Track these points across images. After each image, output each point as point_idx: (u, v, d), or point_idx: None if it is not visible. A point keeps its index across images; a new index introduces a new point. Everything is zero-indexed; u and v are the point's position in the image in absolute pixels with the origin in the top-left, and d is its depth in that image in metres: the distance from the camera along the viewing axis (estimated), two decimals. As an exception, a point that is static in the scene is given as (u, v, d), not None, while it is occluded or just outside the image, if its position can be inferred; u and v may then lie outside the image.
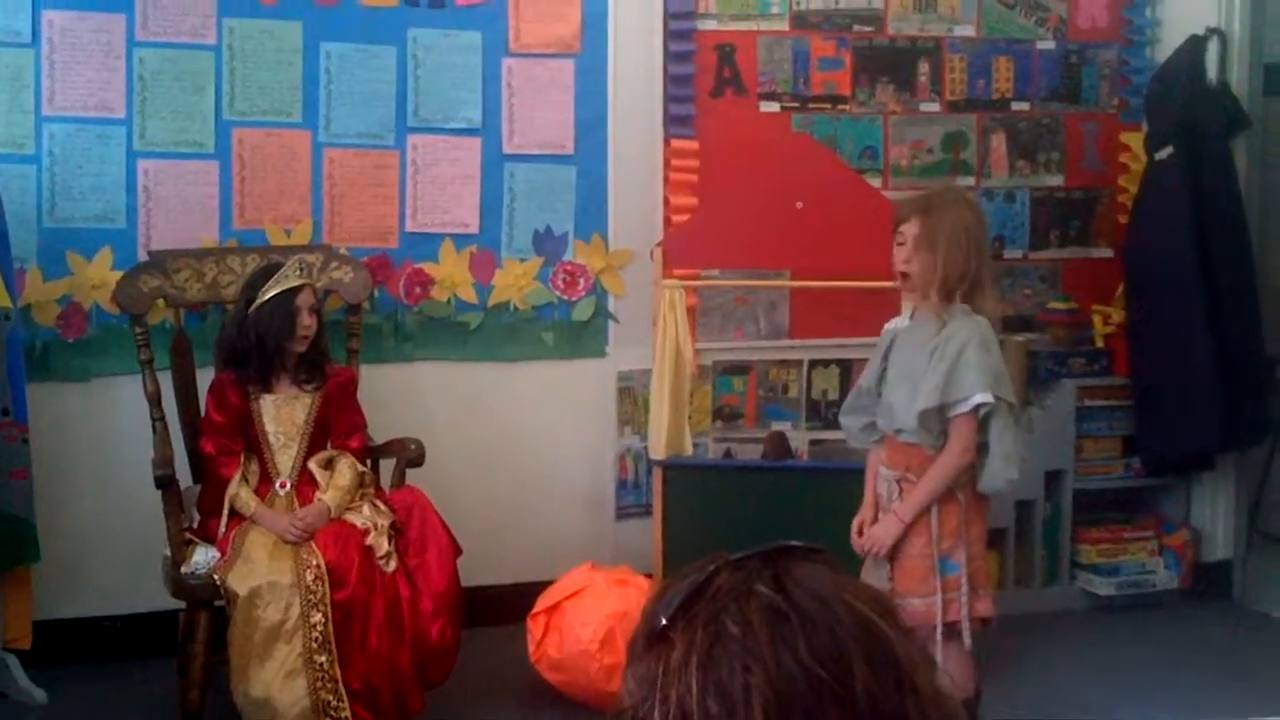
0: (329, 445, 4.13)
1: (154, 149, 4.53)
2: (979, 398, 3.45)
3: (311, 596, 3.76)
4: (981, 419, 3.49)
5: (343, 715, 3.75)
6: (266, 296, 4.02)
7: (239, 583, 3.77)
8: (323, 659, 3.74)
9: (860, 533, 3.64)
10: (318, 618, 3.75)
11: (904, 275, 3.57)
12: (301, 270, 4.08)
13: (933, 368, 3.45)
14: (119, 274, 4.36)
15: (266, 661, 3.73)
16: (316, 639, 3.74)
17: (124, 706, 4.06)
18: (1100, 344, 5.29)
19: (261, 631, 3.74)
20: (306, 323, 4.03)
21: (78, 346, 4.50)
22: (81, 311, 4.49)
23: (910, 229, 3.53)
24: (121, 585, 4.50)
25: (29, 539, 4.20)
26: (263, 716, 3.74)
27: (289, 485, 4.06)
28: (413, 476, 4.21)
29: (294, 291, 4.02)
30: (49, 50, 4.44)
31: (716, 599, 1.04)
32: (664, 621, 1.05)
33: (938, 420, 3.50)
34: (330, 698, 3.74)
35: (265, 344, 4.02)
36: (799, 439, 5.05)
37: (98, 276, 4.47)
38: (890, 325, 3.73)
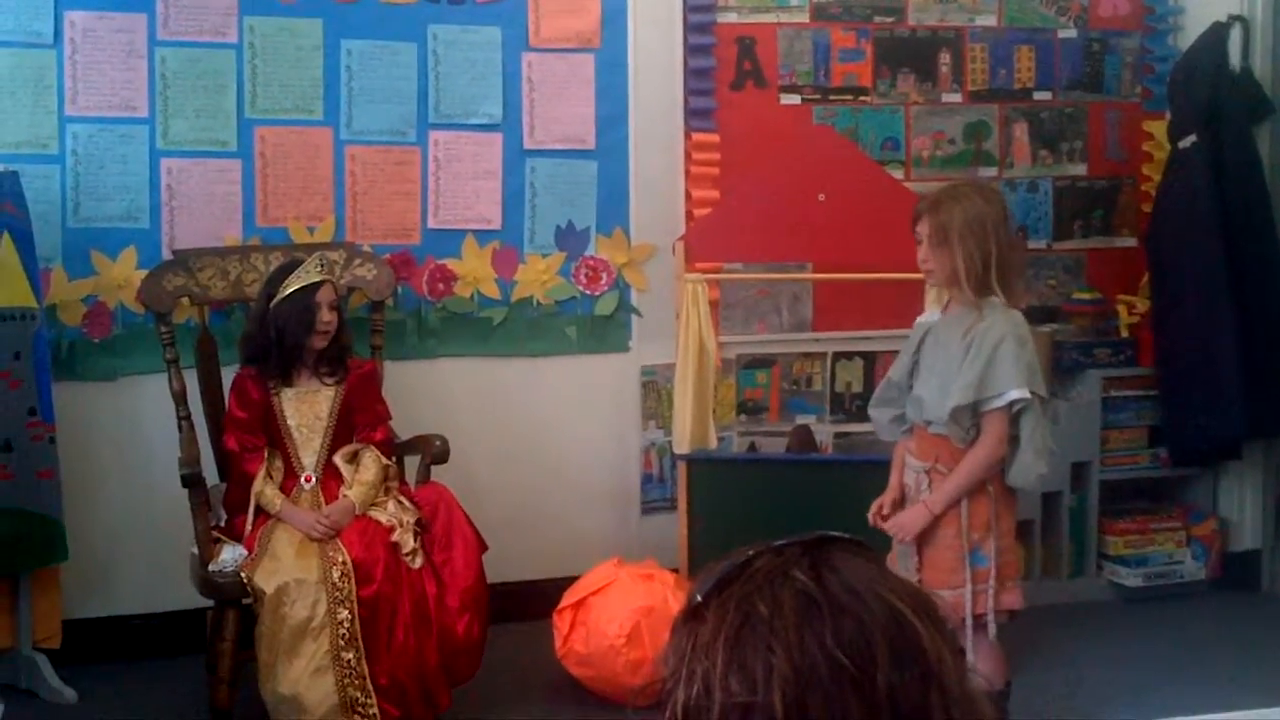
0: (354, 438, 4.14)
1: (177, 148, 4.55)
2: (1014, 394, 3.45)
3: (338, 593, 3.77)
4: (1014, 413, 3.49)
5: (370, 712, 3.76)
6: (286, 292, 4.03)
7: (266, 580, 3.78)
8: (350, 655, 3.75)
9: (880, 514, 3.64)
10: (344, 614, 3.76)
11: (928, 272, 3.59)
12: (322, 266, 4.09)
13: (968, 363, 3.45)
14: (143, 273, 4.39)
15: (294, 659, 3.74)
16: (343, 636, 3.75)
17: (153, 705, 4.07)
18: (1125, 334, 5.27)
19: (289, 629, 3.75)
20: (326, 318, 4.04)
21: (103, 346, 4.52)
22: (106, 311, 4.51)
23: (923, 227, 3.55)
24: (149, 584, 4.52)
25: (57, 538, 4.22)
26: (291, 713, 3.75)
27: (314, 479, 4.07)
28: (437, 473, 4.21)
29: (314, 287, 4.03)
30: (71, 51, 4.45)
31: (752, 580, 1.05)
32: (699, 598, 1.06)
33: (970, 415, 3.49)
34: (358, 694, 3.75)
35: (285, 340, 4.03)
36: (823, 432, 5.04)
37: (122, 276, 4.49)
38: (923, 319, 3.73)
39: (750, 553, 1.07)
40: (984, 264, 3.46)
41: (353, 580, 3.79)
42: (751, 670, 1.00)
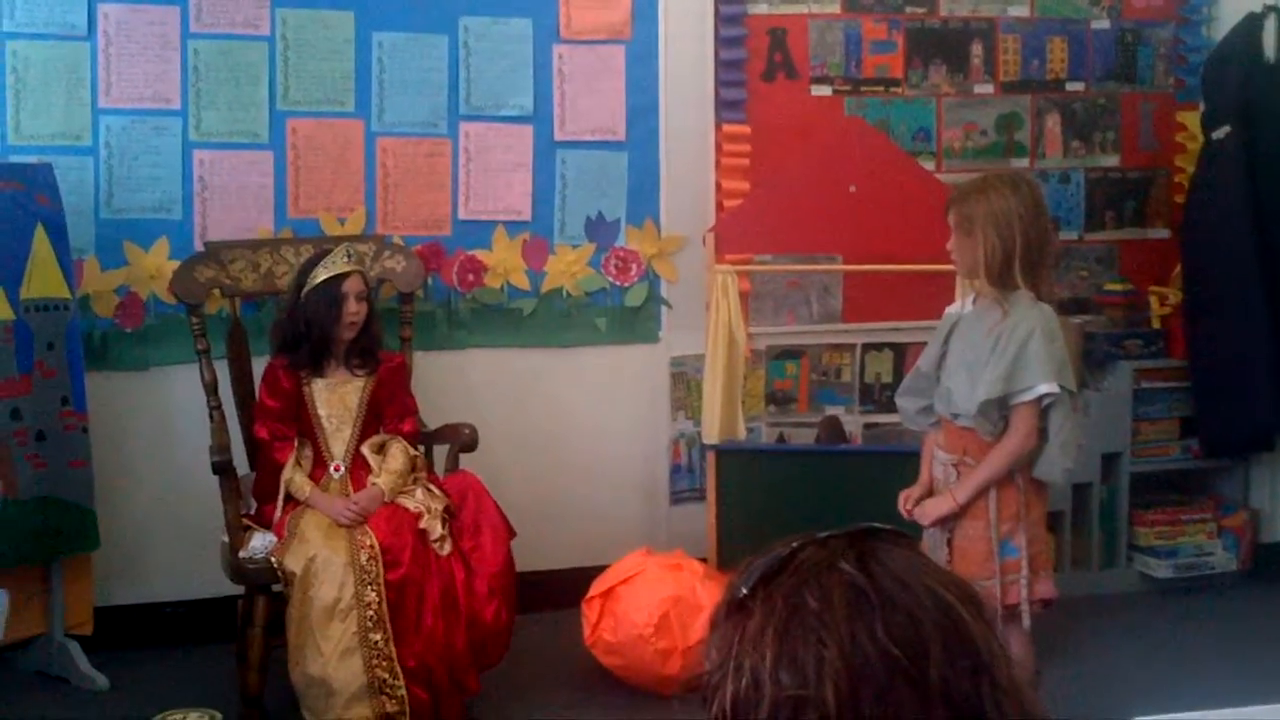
0: (381, 430, 4.16)
1: (209, 140, 4.57)
2: (1043, 388, 3.44)
3: (366, 575, 3.79)
4: (1044, 408, 3.49)
5: (399, 694, 3.78)
6: (314, 283, 4.04)
7: (295, 562, 3.81)
8: (378, 637, 3.77)
9: (906, 502, 3.65)
10: (372, 596, 3.77)
11: (955, 262, 3.61)
12: (349, 256, 4.09)
13: (996, 357, 3.44)
14: (175, 264, 4.41)
15: (323, 640, 3.76)
16: (371, 617, 3.77)
17: (184, 691, 4.09)
18: (1157, 325, 5.24)
19: (317, 610, 3.76)
20: (353, 309, 4.04)
21: (135, 336, 4.54)
22: (139, 301, 4.53)
23: (951, 218, 3.55)
24: (180, 571, 4.55)
25: (89, 527, 4.26)
26: (320, 695, 3.77)
27: (342, 469, 4.09)
28: (466, 462, 4.23)
29: (341, 278, 4.04)
30: (105, 43, 4.48)
31: (799, 573, 1.04)
32: (745, 591, 1.06)
33: (998, 408, 3.49)
34: (386, 675, 3.77)
35: (313, 330, 4.05)
36: (852, 423, 5.03)
37: (154, 266, 4.52)
38: (952, 309, 3.72)
39: (794, 544, 1.06)
40: (1005, 257, 3.45)
41: (380, 563, 3.80)
42: (803, 663, 0.99)
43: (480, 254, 4.81)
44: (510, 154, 4.81)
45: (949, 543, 3.57)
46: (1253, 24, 5.09)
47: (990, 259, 3.45)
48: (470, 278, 4.81)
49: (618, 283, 4.92)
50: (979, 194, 3.52)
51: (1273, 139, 5.02)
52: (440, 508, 3.97)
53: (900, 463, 3.98)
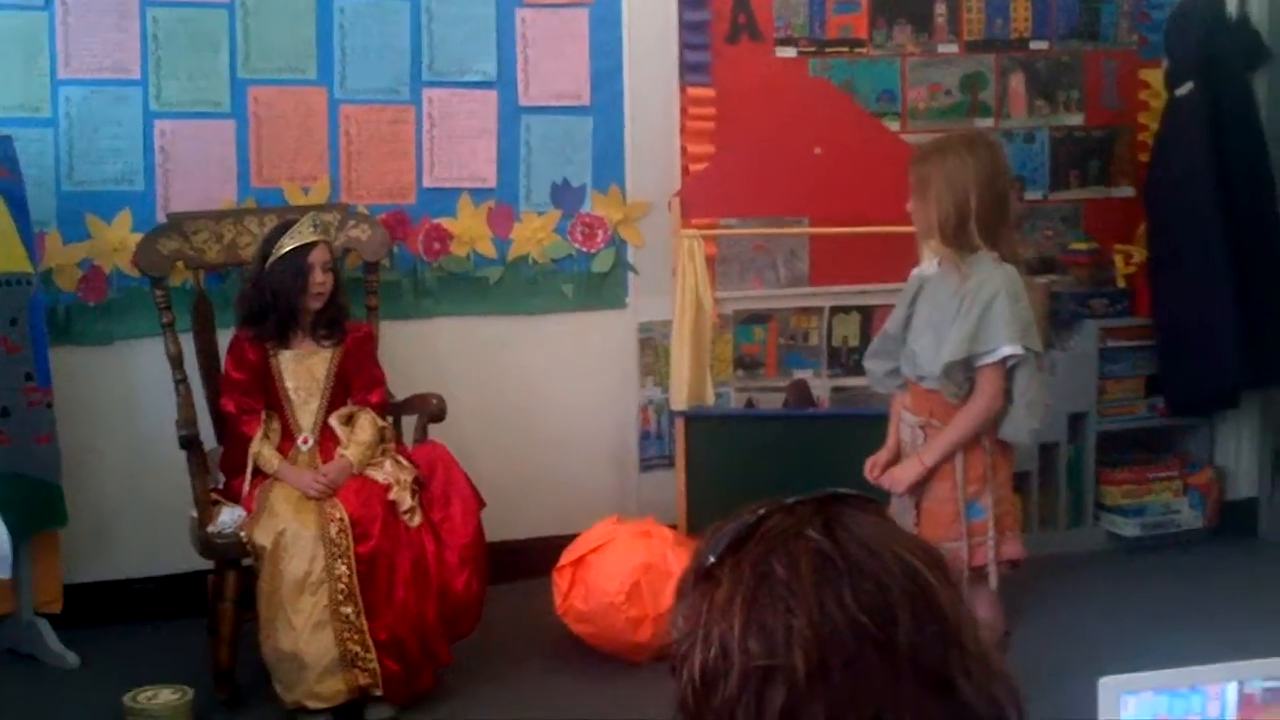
0: (349, 401, 4.14)
1: (170, 109, 4.52)
2: (1007, 349, 3.45)
3: (335, 549, 3.78)
4: (1009, 369, 3.50)
5: (370, 666, 3.78)
6: (280, 253, 4.01)
7: (264, 536, 3.80)
8: (349, 610, 3.76)
9: (873, 469, 3.66)
10: (342, 569, 3.77)
11: (915, 223, 3.62)
12: (315, 226, 4.07)
13: (961, 318, 3.45)
14: (139, 236, 4.37)
15: (293, 614, 3.75)
16: (342, 590, 3.76)
17: (154, 667, 4.07)
18: (1122, 284, 5.27)
19: (287, 584, 3.76)
20: (319, 280, 4.02)
21: (99, 310, 4.50)
22: (102, 275, 4.49)
23: (909, 178, 3.55)
24: (149, 547, 4.52)
25: (56, 503, 4.23)
26: (291, 669, 3.76)
27: (310, 441, 4.07)
28: (434, 432, 4.22)
29: (307, 248, 4.01)
30: (63, 14, 4.42)
31: (766, 541, 1.04)
32: (712, 560, 1.05)
33: (963, 370, 3.50)
34: (357, 649, 3.76)
35: (279, 301, 4.02)
36: (820, 387, 5.04)
37: (117, 239, 4.48)
38: (918, 271, 3.72)
39: (760, 512, 1.06)
40: (960, 219, 3.45)
41: (350, 536, 3.80)
42: (771, 632, 0.99)
43: (445, 222, 4.78)
44: (474, 120, 4.78)
45: (916, 505, 3.59)
46: (1215, -20, 5.10)
47: (944, 221, 3.45)
48: (436, 246, 4.78)
49: (584, 249, 4.90)
50: (935, 155, 3.52)
51: (1235, 95, 5.05)
52: (409, 479, 3.96)
53: (868, 426, 3.99)
